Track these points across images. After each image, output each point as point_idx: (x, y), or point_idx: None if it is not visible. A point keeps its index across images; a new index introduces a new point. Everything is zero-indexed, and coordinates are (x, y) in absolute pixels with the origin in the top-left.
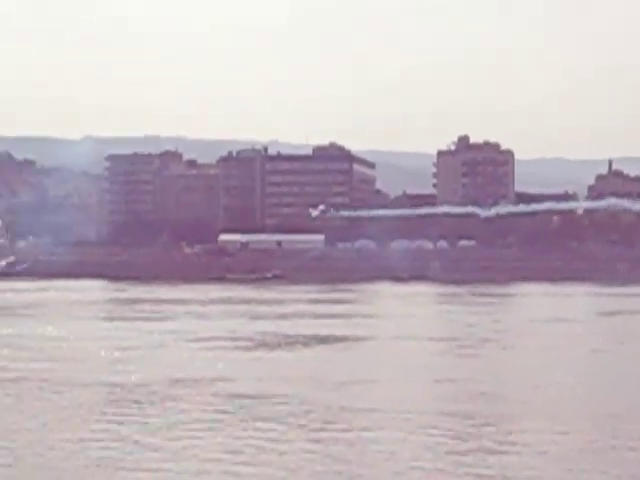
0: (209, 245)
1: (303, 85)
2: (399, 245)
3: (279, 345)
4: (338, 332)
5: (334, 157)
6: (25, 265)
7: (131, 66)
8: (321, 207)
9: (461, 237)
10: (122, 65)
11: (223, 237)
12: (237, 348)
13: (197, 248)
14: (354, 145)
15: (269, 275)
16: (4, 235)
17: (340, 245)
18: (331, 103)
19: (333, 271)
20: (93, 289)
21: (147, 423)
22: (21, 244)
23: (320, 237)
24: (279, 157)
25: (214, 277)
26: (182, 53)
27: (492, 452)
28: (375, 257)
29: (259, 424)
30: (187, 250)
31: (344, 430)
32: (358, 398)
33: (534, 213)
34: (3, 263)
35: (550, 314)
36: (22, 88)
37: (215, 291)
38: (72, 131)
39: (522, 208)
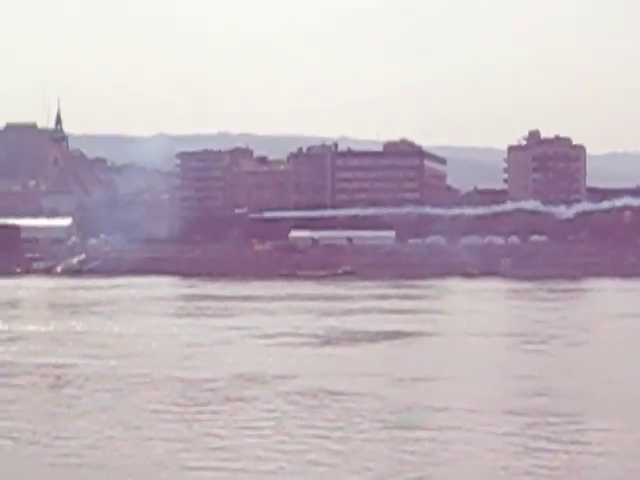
0: (280, 242)
1: (372, 81)
2: (469, 241)
3: (346, 341)
4: (407, 328)
5: (405, 153)
6: (96, 262)
7: (201, 63)
8: (245, 209)
9: (533, 232)
10: (192, 63)
11: (294, 234)
12: (304, 344)
13: (268, 245)
14: (425, 141)
15: (340, 271)
16: (75, 233)
17: (411, 241)
18: (401, 99)
19: (403, 267)
20: (164, 286)
21: (213, 421)
22: (92, 241)
23: (391, 233)
24: (349, 153)
25: (284, 274)
26: (257, 53)
27: (564, 452)
28: (445, 253)
29: (327, 422)
30: (258, 247)
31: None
32: (426, 395)
33: (610, 210)
34: (74, 261)
35: (623, 309)
36: (92, 87)
37: (285, 288)
38: (143, 128)
39: (602, 205)
